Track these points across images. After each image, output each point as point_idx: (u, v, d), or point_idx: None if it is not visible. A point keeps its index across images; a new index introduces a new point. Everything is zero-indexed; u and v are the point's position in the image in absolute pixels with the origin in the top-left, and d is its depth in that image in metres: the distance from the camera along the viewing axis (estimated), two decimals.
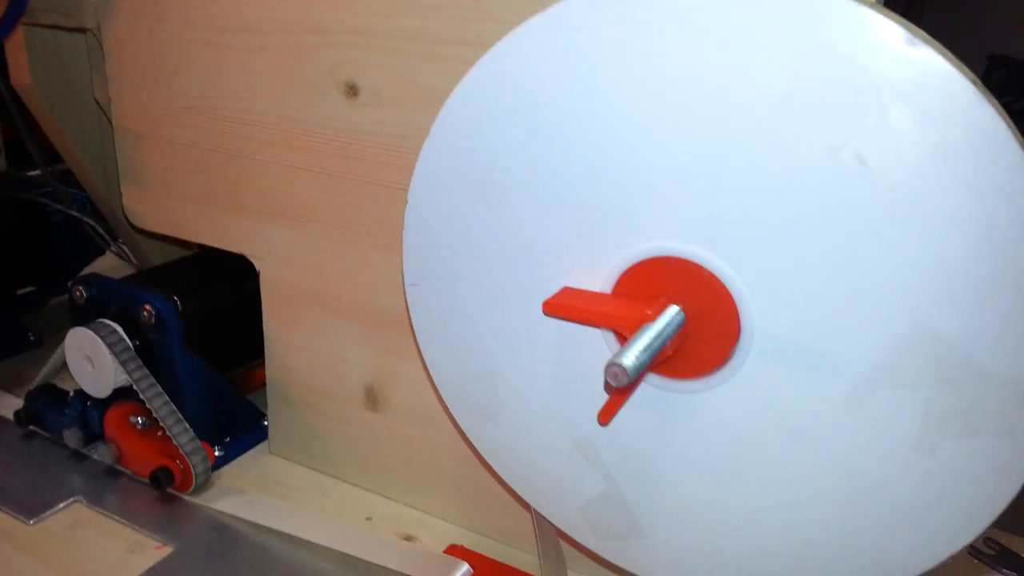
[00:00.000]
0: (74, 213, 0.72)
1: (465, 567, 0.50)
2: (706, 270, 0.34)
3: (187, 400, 0.59)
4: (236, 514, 0.56)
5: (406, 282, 0.44)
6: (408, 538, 0.54)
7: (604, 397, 0.37)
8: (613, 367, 0.31)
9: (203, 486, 0.58)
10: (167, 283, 0.59)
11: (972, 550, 0.61)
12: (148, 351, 0.58)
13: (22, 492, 0.58)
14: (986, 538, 0.62)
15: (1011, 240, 0.29)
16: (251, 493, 0.58)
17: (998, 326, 0.30)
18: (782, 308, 0.33)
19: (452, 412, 0.45)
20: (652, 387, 0.37)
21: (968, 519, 0.33)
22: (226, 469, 0.61)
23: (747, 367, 0.35)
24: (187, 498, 0.58)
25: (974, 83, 0.28)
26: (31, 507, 0.56)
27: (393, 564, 0.51)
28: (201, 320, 0.59)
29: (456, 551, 0.52)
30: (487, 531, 0.54)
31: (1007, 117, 0.29)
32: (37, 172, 0.74)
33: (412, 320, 0.44)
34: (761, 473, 0.36)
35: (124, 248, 0.75)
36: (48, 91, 0.65)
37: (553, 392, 0.40)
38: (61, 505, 0.57)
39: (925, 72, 0.29)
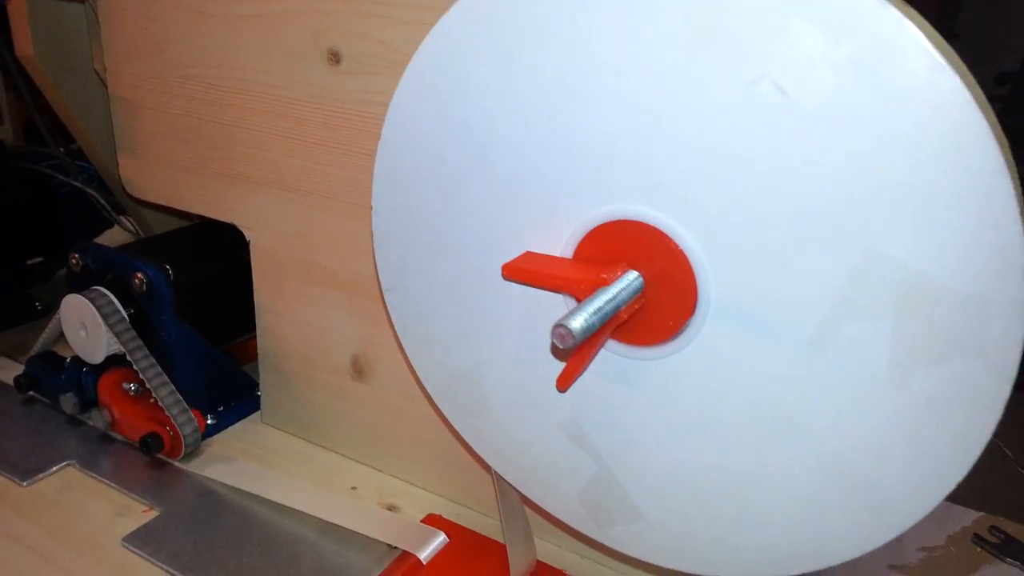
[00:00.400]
0: (79, 186, 0.73)
1: (441, 536, 0.50)
2: (660, 232, 0.33)
3: (179, 368, 0.59)
4: (222, 480, 0.57)
5: (383, 287, 0.43)
6: (391, 507, 0.55)
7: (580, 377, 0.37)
8: (559, 328, 0.30)
9: (193, 453, 0.59)
10: (161, 252, 0.60)
11: (976, 538, 0.60)
12: (141, 319, 0.59)
13: (17, 455, 0.59)
14: (991, 526, 0.61)
15: (942, 147, 0.28)
16: (239, 461, 0.59)
17: (945, 239, 0.29)
18: (735, 264, 0.32)
19: (446, 415, 0.44)
20: (618, 356, 0.37)
21: (956, 452, 0.31)
22: (218, 437, 0.62)
23: (708, 329, 0.34)
24: (176, 464, 0.59)
25: None
26: (25, 470, 0.57)
27: (371, 532, 0.51)
28: (192, 289, 0.59)
29: (434, 520, 0.52)
30: (467, 501, 0.54)
31: (921, 20, 0.28)
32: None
33: (394, 326, 0.44)
34: (740, 435, 0.35)
35: (131, 221, 0.76)
36: (51, 62, 0.66)
37: (531, 377, 0.40)
38: (54, 468, 0.58)
39: None
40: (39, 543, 0.51)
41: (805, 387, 0.33)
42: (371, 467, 0.58)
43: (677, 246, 0.33)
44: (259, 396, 0.64)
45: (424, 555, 0.49)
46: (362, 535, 0.51)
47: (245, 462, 0.59)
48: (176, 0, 0.54)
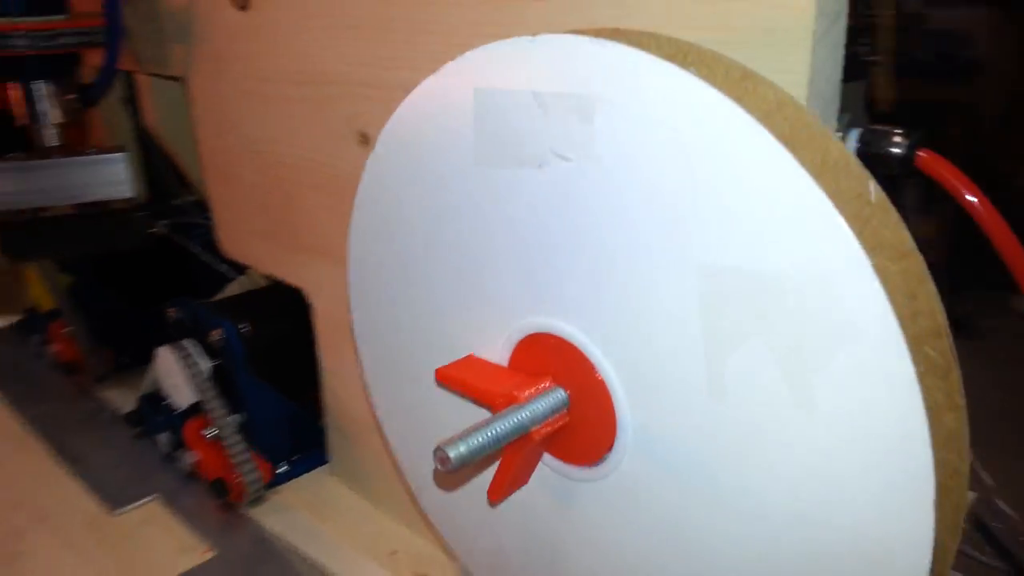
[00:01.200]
0: (196, 251, 0.79)
1: None
2: (576, 347, 0.32)
3: (253, 419, 0.64)
4: (276, 532, 0.60)
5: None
6: None
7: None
8: (439, 451, 0.29)
9: (259, 499, 0.63)
10: (240, 310, 0.65)
11: None
12: (221, 371, 0.64)
13: (115, 485, 0.66)
14: None
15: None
16: (298, 513, 0.62)
17: (730, 224, 0.26)
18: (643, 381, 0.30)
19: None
20: (555, 472, 0.35)
21: (907, 459, 0.26)
22: (289, 484, 0.66)
23: (627, 462, 0.32)
24: (242, 510, 0.63)
25: None
26: (117, 500, 0.64)
27: None
28: (264, 345, 0.63)
29: None
30: None
31: None
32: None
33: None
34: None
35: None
36: (169, 132, 0.73)
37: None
38: (141, 501, 0.64)
39: None
40: (107, 569, 0.56)
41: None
42: (415, 532, 0.59)
43: (591, 363, 0.31)
44: None
45: None
46: None
47: (303, 515, 0.62)
48: (242, 83, 0.58)
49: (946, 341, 0.27)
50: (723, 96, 0.26)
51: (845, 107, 0.37)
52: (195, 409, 0.65)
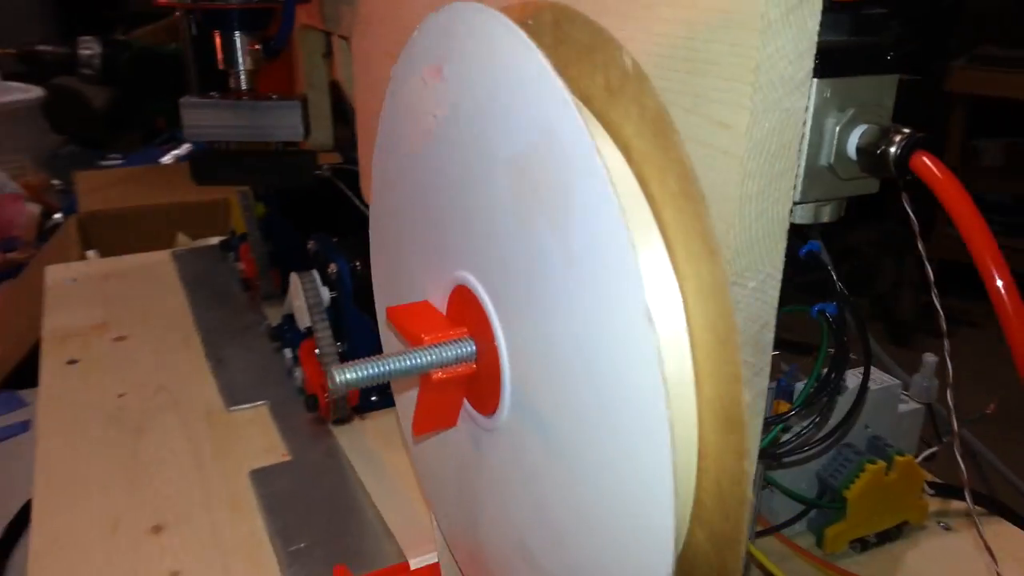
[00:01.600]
0: (348, 193, 0.87)
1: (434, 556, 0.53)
2: (477, 298, 0.33)
3: (352, 348, 0.70)
4: (345, 450, 0.66)
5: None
6: None
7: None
8: (328, 372, 0.33)
9: (342, 420, 0.70)
10: (360, 249, 0.71)
11: None
12: (335, 302, 0.71)
13: (239, 387, 0.76)
14: None
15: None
16: (369, 438, 0.68)
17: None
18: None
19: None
20: (471, 418, 0.37)
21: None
22: (372, 414, 0.72)
23: (508, 414, 0.33)
24: (329, 426, 0.70)
25: None
26: (235, 399, 0.74)
27: (399, 534, 0.56)
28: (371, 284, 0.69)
29: None
30: None
31: None
32: None
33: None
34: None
35: None
36: (349, 86, 0.81)
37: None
38: (253, 404, 0.73)
39: None
40: (205, 455, 0.66)
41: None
42: None
43: (487, 315, 0.33)
44: None
45: (414, 563, 0.53)
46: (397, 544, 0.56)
47: (372, 440, 0.68)
48: (384, 44, 0.64)
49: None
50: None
51: (853, 102, 0.35)
52: (310, 332, 0.73)
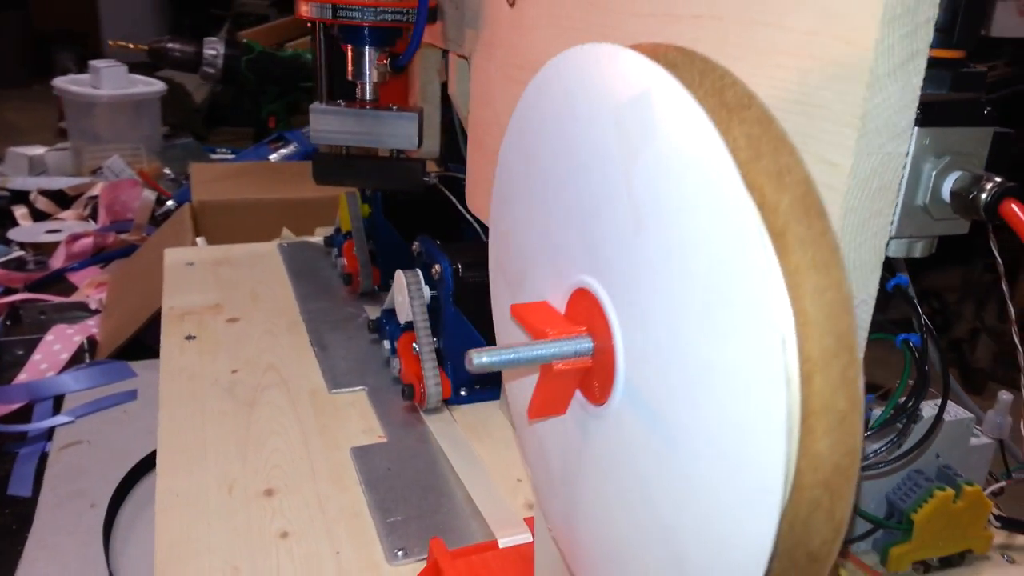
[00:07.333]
0: (453, 200, 0.93)
1: (527, 535, 0.58)
2: (599, 302, 0.38)
3: (448, 345, 0.76)
4: (437, 436, 0.72)
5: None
6: (532, 505, 0.63)
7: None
8: (467, 355, 0.38)
9: (435, 410, 0.75)
10: (462, 253, 0.77)
11: None
12: (435, 301, 0.77)
13: (341, 372, 0.82)
14: None
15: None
16: (460, 428, 0.73)
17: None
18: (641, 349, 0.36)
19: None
20: (581, 405, 0.42)
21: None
22: (463, 406, 0.77)
23: (618, 408, 0.38)
24: (421, 413, 0.75)
25: None
26: (337, 383, 0.80)
27: (488, 514, 0.61)
28: (471, 286, 0.75)
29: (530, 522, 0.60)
30: None
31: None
32: None
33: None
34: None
35: None
36: (461, 102, 0.87)
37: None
38: (352, 389, 0.79)
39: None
40: (310, 431, 0.72)
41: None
42: None
43: (607, 319, 0.38)
44: None
45: (502, 543, 0.57)
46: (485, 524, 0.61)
47: (463, 430, 0.73)
48: (503, 68, 0.70)
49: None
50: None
51: (949, 150, 0.38)
52: (410, 326, 0.78)
